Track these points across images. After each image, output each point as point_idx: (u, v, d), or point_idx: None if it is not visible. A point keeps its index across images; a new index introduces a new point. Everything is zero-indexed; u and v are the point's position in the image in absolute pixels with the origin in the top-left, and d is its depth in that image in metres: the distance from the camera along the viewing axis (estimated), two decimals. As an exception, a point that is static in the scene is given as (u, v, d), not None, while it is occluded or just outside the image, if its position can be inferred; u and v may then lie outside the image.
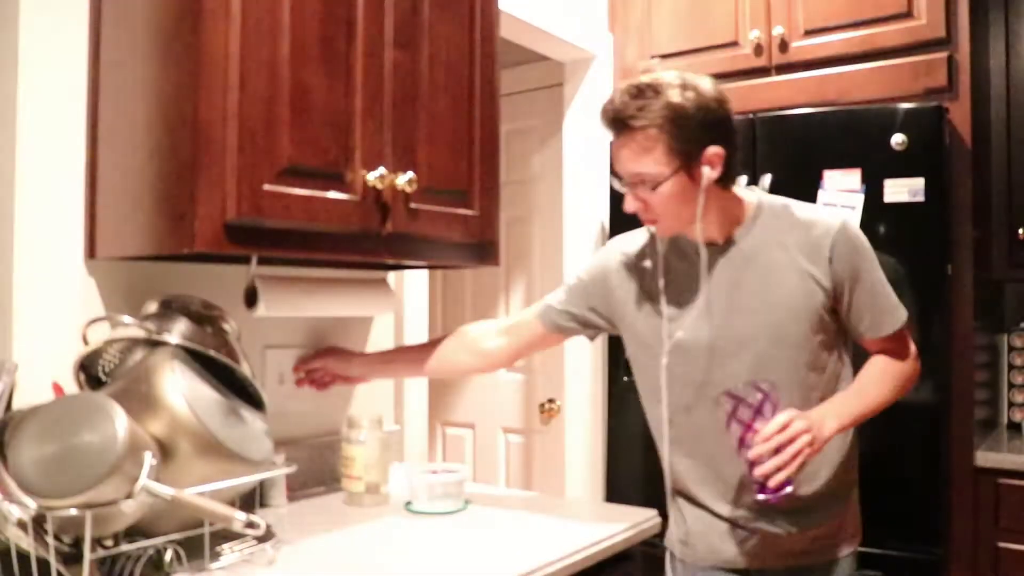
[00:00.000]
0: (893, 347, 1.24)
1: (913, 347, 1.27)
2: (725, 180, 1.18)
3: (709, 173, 1.14)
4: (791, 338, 1.17)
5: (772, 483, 1.06)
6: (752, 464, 1.07)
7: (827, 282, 1.18)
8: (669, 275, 1.24)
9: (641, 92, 1.12)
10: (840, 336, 1.23)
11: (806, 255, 1.18)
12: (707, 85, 1.14)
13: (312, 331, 1.54)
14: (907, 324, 1.24)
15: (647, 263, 1.27)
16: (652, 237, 1.28)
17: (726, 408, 1.10)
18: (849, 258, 1.18)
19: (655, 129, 1.11)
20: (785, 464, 1.05)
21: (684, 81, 1.13)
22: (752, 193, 1.25)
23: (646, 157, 1.12)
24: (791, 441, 1.06)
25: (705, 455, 1.22)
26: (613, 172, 1.19)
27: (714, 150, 1.14)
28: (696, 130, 1.12)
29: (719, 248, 1.21)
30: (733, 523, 1.22)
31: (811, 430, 1.07)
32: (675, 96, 1.11)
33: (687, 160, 1.13)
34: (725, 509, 1.22)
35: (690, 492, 1.26)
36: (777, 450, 1.05)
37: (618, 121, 1.14)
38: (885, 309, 1.22)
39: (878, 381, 1.22)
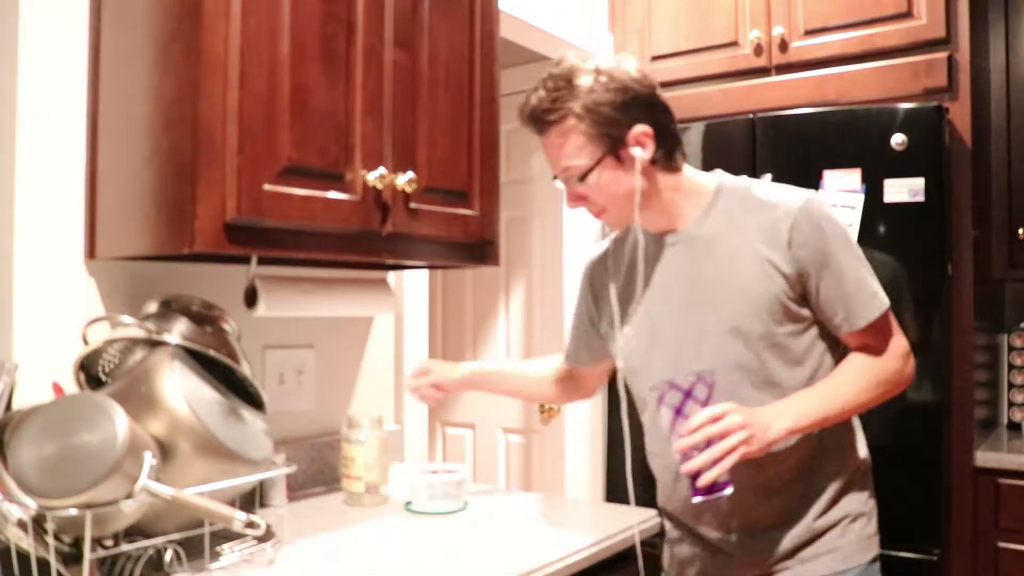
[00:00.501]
0: (874, 343, 1.12)
1: (902, 343, 1.14)
2: (666, 162, 1.12)
3: (641, 155, 1.09)
4: (752, 330, 1.08)
5: (701, 482, 0.97)
6: (684, 458, 1.00)
7: (788, 268, 1.08)
8: (630, 272, 1.18)
9: (554, 85, 1.10)
10: (824, 329, 1.13)
11: (765, 239, 1.09)
12: (626, 66, 1.10)
13: (312, 331, 1.54)
14: (889, 316, 1.13)
15: (610, 263, 1.23)
16: (617, 236, 1.24)
17: (656, 394, 1.02)
18: (812, 241, 1.08)
19: (572, 119, 1.08)
20: (714, 461, 0.97)
21: (597, 66, 1.10)
22: (712, 176, 1.18)
23: (568, 148, 1.09)
24: (724, 436, 0.97)
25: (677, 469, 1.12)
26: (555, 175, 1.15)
27: (640, 129, 1.09)
28: (615, 112, 1.08)
29: (675, 236, 1.15)
30: (718, 548, 1.16)
31: (749, 426, 0.98)
32: (587, 82, 1.08)
33: (611, 144, 1.08)
34: (711, 533, 1.16)
35: (667, 508, 1.23)
36: (710, 444, 0.97)
37: (535, 118, 1.11)
38: (858, 299, 1.10)
39: (853, 379, 1.10)
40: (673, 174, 1.14)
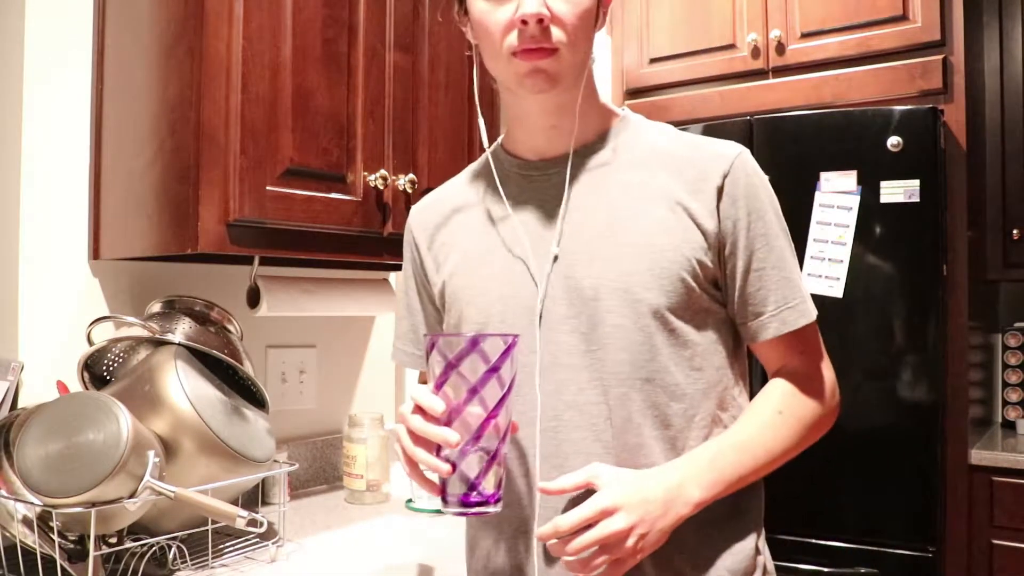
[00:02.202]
0: (801, 361, 0.83)
1: (830, 371, 0.85)
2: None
3: (603, 14, 0.83)
4: (646, 299, 0.77)
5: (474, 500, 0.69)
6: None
7: (711, 223, 0.79)
8: (516, 201, 0.86)
9: None
10: (727, 327, 0.83)
11: (685, 184, 0.80)
12: None
13: (314, 331, 1.55)
14: (817, 330, 0.85)
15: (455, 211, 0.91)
16: (458, 180, 0.95)
17: (436, 358, 0.71)
18: (750, 198, 0.80)
19: None
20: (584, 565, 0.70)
21: None
22: (620, 108, 0.90)
23: None
24: (603, 544, 0.70)
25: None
26: None
27: None
28: None
29: (556, 162, 0.84)
30: None
31: (637, 526, 0.70)
32: None
33: None
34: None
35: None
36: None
37: None
38: (798, 292, 0.81)
39: (774, 424, 0.80)
40: (590, 78, 0.86)
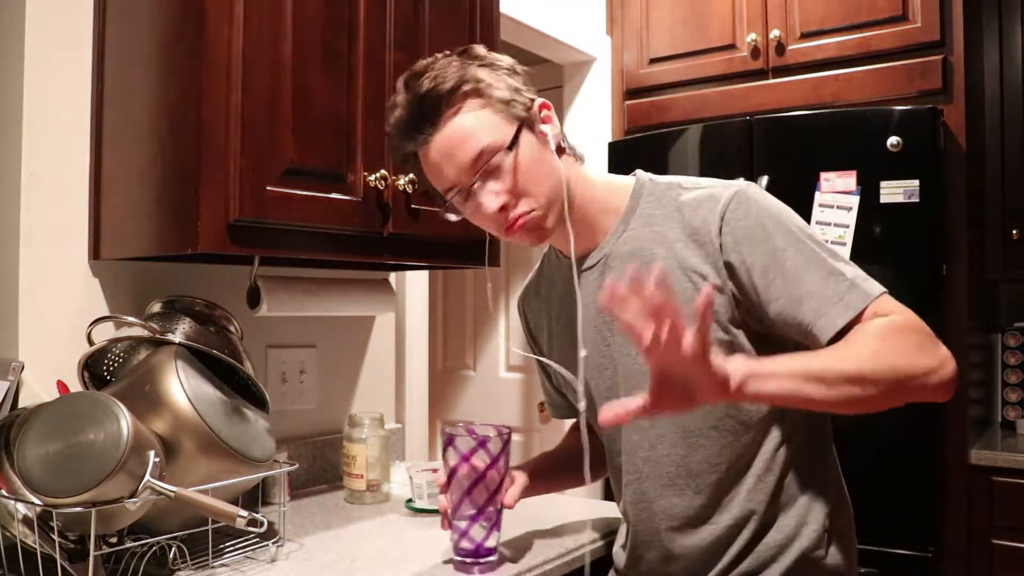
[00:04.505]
0: None
1: (922, 331, 0.83)
2: (571, 148, 0.94)
3: (551, 131, 0.91)
4: None
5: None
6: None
7: (723, 279, 0.86)
8: (561, 305, 1.02)
9: (426, 67, 0.89)
10: (768, 347, 0.88)
11: (692, 246, 0.88)
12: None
13: (314, 330, 1.55)
14: (888, 305, 0.84)
15: (543, 295, 1.08)
16: (536, 271, 1.10)
17: (450, 435, 0.95)
18: (749, 238, 0.85)
19: (470, 84, 0.87)
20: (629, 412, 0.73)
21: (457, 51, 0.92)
22: (629, 177, 0.97)
23: (484, 125, 0.87)
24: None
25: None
26: (447, 192, 0.91)
27: (541, 101, 0.92)
28: (515, 80, 0.90)
29: (594, 256, 0.96)
30: None
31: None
32: (463, 56, 0.90)
33: (525, 115, 0.89)
34: None
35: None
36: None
37: (426, 103, 0.87)
38: (830, 292, 0.82)
39: (863, 342, 0.79)
40: (582, 166, 0.96)
